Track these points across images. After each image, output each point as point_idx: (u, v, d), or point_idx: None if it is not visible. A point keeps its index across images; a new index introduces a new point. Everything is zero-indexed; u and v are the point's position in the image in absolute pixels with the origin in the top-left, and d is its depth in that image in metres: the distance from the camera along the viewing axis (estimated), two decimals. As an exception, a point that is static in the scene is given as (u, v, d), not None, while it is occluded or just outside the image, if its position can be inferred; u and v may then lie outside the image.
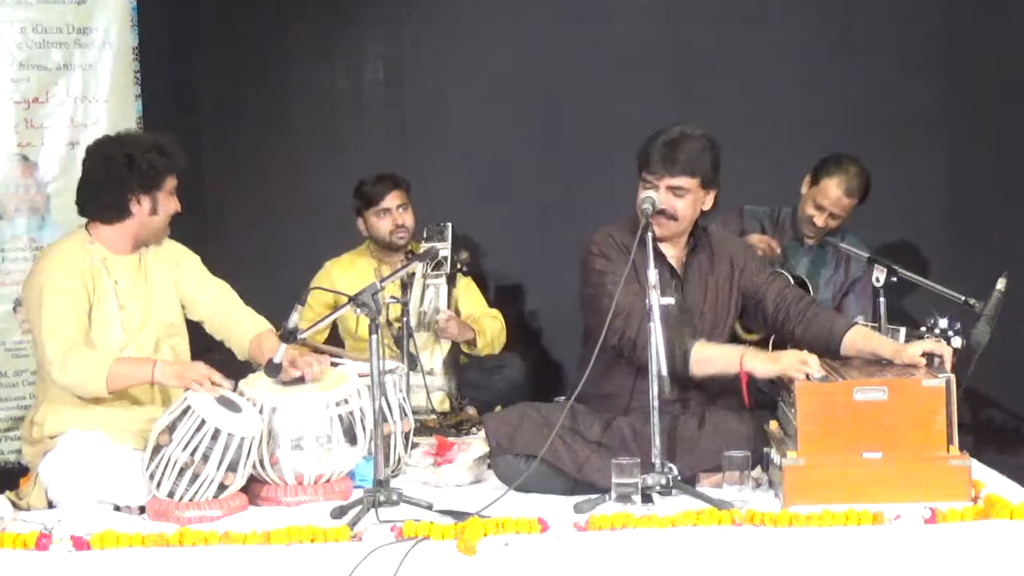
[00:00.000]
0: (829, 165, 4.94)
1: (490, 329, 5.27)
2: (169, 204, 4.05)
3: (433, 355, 5.06)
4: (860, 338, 3.92)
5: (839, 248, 4.93)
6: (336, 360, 4.17)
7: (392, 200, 5.21)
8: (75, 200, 4.05)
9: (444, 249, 5.11)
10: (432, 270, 5.10)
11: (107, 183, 3.96)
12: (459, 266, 5.16)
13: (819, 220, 4.94)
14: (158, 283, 4.08)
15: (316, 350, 4.51)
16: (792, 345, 3.90)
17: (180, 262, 4.16)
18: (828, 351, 3.91)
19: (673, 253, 4.03)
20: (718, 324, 4.04)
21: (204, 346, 4.26)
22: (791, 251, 5.05)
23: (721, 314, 4.06)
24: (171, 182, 4.04)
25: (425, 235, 5.17)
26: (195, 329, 4.23)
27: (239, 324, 4.15)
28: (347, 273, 5.25)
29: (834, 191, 4.90)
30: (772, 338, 4.74)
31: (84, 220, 4.05)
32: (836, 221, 4.97)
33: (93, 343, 3.90)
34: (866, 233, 5.11)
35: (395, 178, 5.27)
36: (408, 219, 5.24)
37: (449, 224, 5.16)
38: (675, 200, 3.91)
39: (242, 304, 4.21)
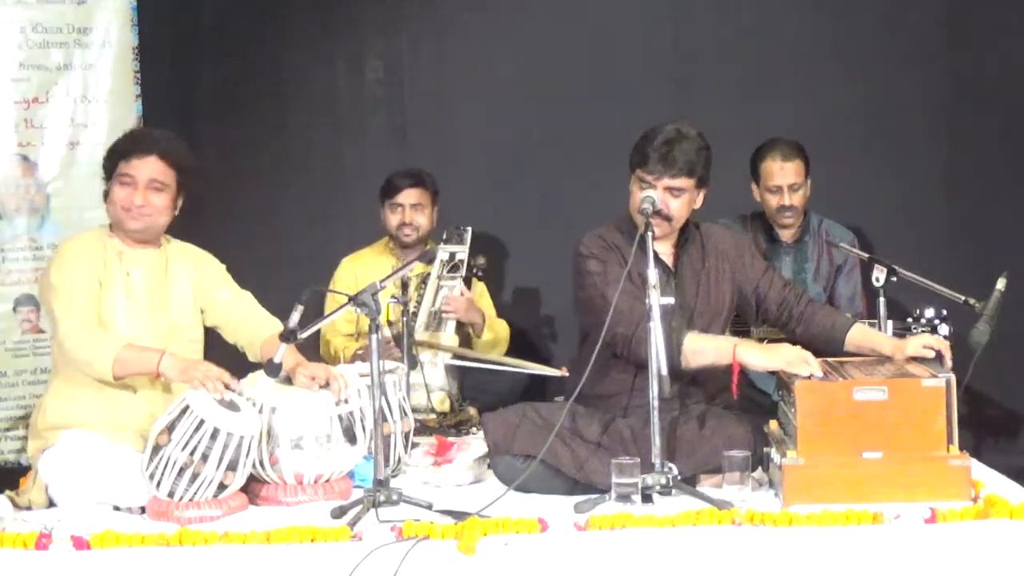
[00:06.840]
0: (758, 154, 5.08)
1: (498, 331, 5.25)
2: (117, 191, 3.97)
3: (437, 354, 5.04)
4: (860, 335, 3.97)
5: (838, 247, 4.93)
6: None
7: (406, 197, 5.20)
8: None
9: (461, 252, 5.10)
10: (448, 271, 5.09)
11: None
12: (475, 270, 5.15)
13: (784, 199, 5.00)
14: (177, 283, 4.08)
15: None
16: (793, 343, 3.90)
17: (201, 266, 4.16)
18: (829, 349, 3.95)
19: (664, 250, 4.02)
20: (715, 317, 4.04)
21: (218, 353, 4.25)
22: (771, 254, 5.05)
23: (716, 307, 4.05)
24: (124, 166, 3.96)
25: (444, 237, 5.17)
26: (211, 336, 4.21)
27: (255, 327, 4.13)
28: (368, 269, 5.22)
29: (774, 165, 5.01)
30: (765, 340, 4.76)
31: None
32: (798, 194, 5.03)
33: (106, 327, 3.91)
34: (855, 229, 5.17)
35: (418, 177, 5.23)
36: (420, 219, 5.20)
37: (469, 228, 5.16)
38: (672, 200, 3.91)
39: (262, 311, 4.19)
